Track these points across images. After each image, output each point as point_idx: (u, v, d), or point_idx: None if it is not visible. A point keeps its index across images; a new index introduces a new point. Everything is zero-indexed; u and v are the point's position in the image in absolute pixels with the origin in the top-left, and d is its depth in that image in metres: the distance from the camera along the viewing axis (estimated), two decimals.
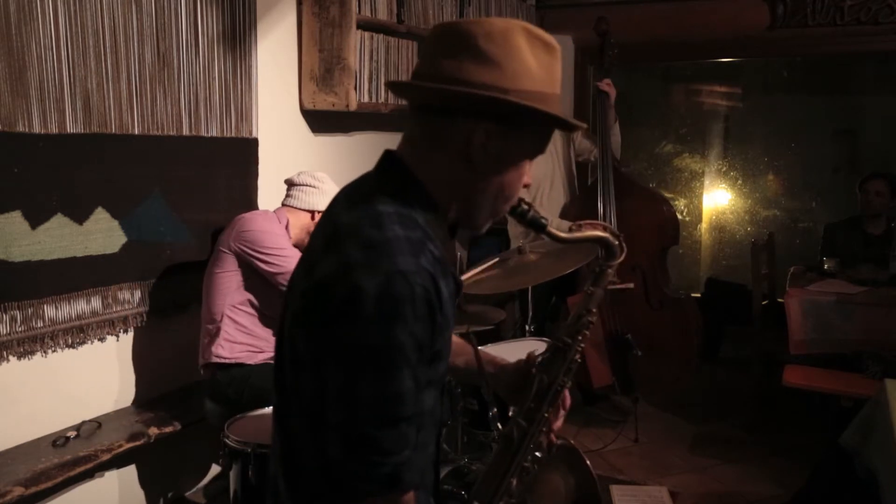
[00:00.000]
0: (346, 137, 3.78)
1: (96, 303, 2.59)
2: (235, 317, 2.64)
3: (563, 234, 1.27)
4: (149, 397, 2.85)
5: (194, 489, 3.09)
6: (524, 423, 1.31)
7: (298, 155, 3.44)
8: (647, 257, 3.80)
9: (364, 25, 3.34)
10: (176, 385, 2.95)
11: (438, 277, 1.03)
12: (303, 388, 1.08)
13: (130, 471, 2.80)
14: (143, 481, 2.85)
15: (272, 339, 2.67)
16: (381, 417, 1.00)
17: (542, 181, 3.85)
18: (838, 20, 4.38)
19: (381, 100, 3.51)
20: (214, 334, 2.64)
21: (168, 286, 2.83)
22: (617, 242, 1.33)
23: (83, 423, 2.56)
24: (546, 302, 3.98)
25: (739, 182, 6.01)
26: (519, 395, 1.37)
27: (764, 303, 4.07)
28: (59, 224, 2.43)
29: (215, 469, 3.13)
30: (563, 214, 3.89)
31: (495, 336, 3.88)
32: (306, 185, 2.77)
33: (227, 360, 2.62)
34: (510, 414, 1.36)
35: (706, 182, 6.10)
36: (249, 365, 2.64)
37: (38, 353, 2.45)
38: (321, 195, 2.76)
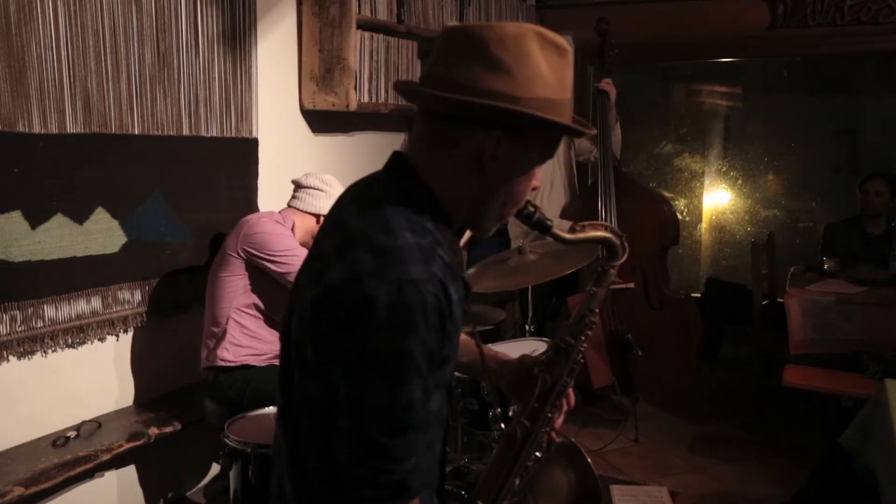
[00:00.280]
0: (346, 137, 3.78)
1: (96, 303, 2.59)
2: (241, 320, 2.63)
3: (567, 236, 1.27)
4: (149, 397, 2.85)
5: (194, 489, 3.09)
6: (527, 423, 1.32)
7: (298, 155, 3.44)
8: (647, 257, 3.80)
9: (364, 25, 3.35)
10: (176, 385, 2.95)
11: (448, 283, 1.03)
12: (310, 391, 1.07)
13: (130, 471, 2.80)
14: (143, 481, 2.85)
15: (277, 342, 2.67)
16: (391, 426, 1.00)
17: (543, 181, 3.85)
18: (838, 20, 4.38)
19: (381, 100, 3.51)
20: (220, 338, 2.63)
21: (168, 286, 2.83)
22: (619, 243, 1.33)
23: (83, 423, 2.56)
24: (546, 302, 3.98)
25: (739, 182, 6.01)
26: (520, 391, 1.39)
27: (764, 303, 4.07)
28: (59, 224, 2.43)
29: (215, 469, 3.13)
30: (564, 214, 3.89)
31: (495, 336, 3.88)
32: (313, 189, 2.75)
33: (232, 364, 2.62)
34: (510, 413, 1.37)
35: (706, 182, 6.10)
36: (253, 367, 2.64)
37: (38, 353, 2.45)
38: (328, 199, 2.73)
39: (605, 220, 3.76)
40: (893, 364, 3.28)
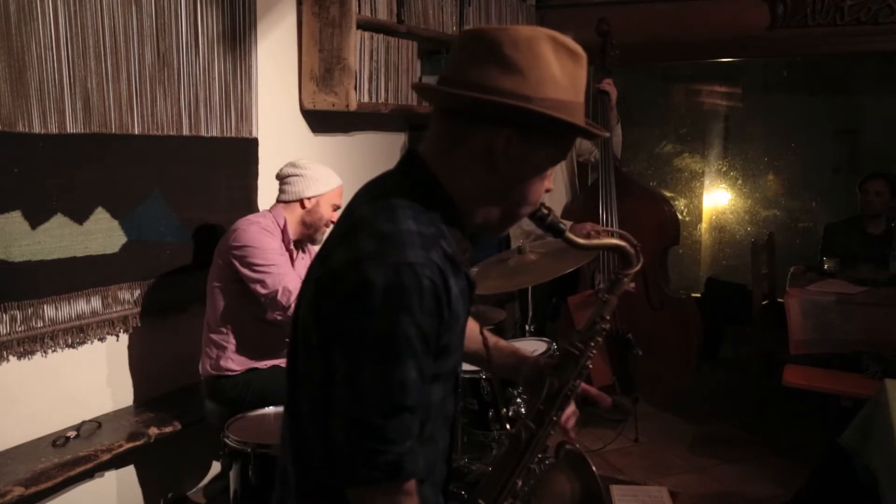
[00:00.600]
0: (346, 137, 3.78)
1: (96, 303, 2.59)
2: (242, 327, 2.62)
3: (580, 241, 1.28)
4: (149, 397, 2.85)
5: (194, 489, 3.09)
6: (533, 425, 1.33)
7: (298, 155, 3.42)
8: (648, 257, 3.80)
9: (364, 25, 3.34)
10: (176, 385, 2.95)
11: (448, 273, 1.06)
12: (312, 374, 1.11)
13: (130, 471, 2.80)
14: (143, 481, 2.85)
15: (281, 343, 2.67)
16: (385, 405, 1.02)
17: None
18: (838, 20, 4.38)
19: (381, 100, 3.51)
20: (222, 347, 2.62)
21: (168, 286, 2.83)
22: (634, 252, 1.35)
23: (83, 423, 2.56)
24: (546, 302, 3.98)
25: (739, 182, 6.01)
26: (531, 389, 1.42)
27: (764, 303, 4.07)
28: (59, 224, 2.43)
29: (215, 469, 3.13)
30: (565, 214, 3.89)
31: (496, 336, 3.88)
32: (290, 176, 2.71)
33: (236, 372, 2.62)
34: (509, 413, 1.37)
35: (706, 182, 6.10)
36: (256, 369, 2.63)
37: (38, 353, 2.45)
38: (306, 181, 2.68)
39: (606, 220, 3.76)
40: (893, 364, 3.28)
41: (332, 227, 2.69)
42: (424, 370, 1.04)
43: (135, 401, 2.82)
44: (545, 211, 1.22)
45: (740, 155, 6.00)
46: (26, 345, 2.39)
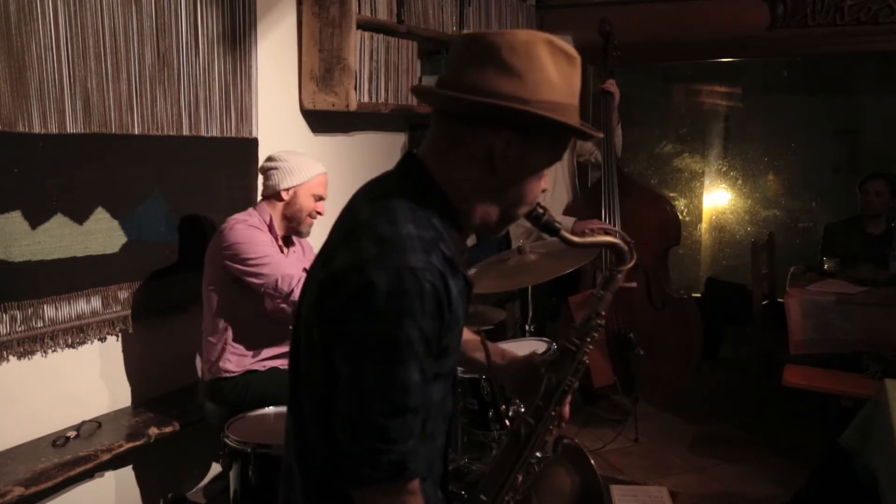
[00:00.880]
0: (346, 137, 3.78)
1: (96, 303, 2.59)
2: (239, 329, 2.61)
3: (575, 239, 1.30)
4: (149, 397, 2.85)
5: (194, 489, 3.09)
6: (532, 421, 1.35)
7: None
8: (650, 257, 3.80)
9: (364, 25, 3.34)
10: (176, 385, 2.95)
11: (448, 276, 1.08)
12: (315, 375, 1.12)
13: (130, 471, 2.80)
14: (143, 481, 2.85)
15: (278, 341, 2.67)
16: (388, 407, 1.04)
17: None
18: (838, 20, 4.38)
19: (381, 100, 3.51)
20: (220, 350, 2.61)
21: (168, 286, 2.83)
22: (627, 248, 1.37)
23: (83, 423, 2.56)
24: (546, 301, 3.98)
25: (739, 182, 6.01)
26: (525, 388, 1.43)
27: (764, 303, 4.07)
28: (59, 224, 2.43)
29: (215, 469, 3.13)
30: (567, 213, 3.89)
31: (495, 336, 3.88)
32: (269, 170, 2.67)
33: (235, 373, 2.62)
34: (509, 413, 1.38)
35: (706, 182, 6.10)
36: (255, 371, 2.63)
37: (38, 353, 2.45)
38: (281, 173, 2.64)
39: (608, 220, 3.77)
40: (893, 364, 3.28)
41: (317, 218, 2.70)
42: (426, 371, 1.06)
43: (134, 401, 2.82)
44: (540, 210, 1.24)
45: (740, 155, 6.00)
46: (26, 345, 2.39)
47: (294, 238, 2.78)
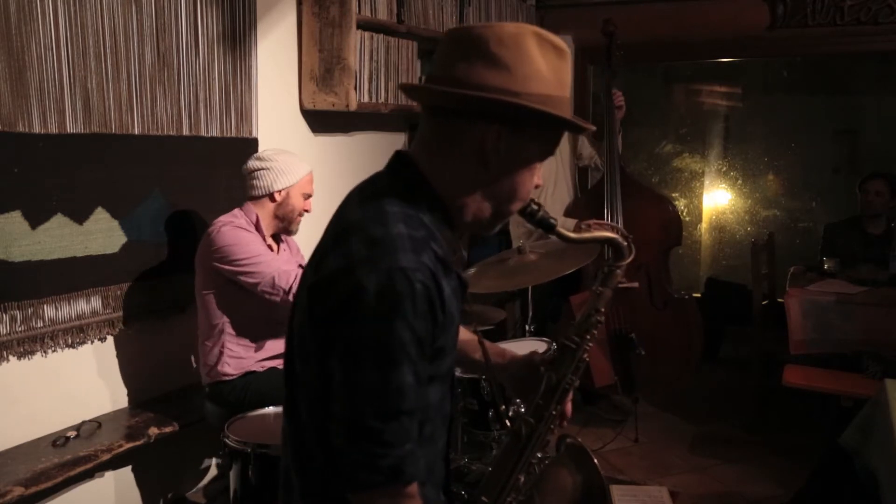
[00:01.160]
0: (346, 137, 3.78)
1: (96, 303, 2.59)
2: (235, 331, 2.60)
3: (571, 235, 1.28)
4: (149, 397, 2.85)
5: (194, 489, 3.09)
6: (532, 421, 1.33)
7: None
8: (652, 257, 3.80)
9: (364, 25, 3.34)
10: (176, 385, 2.95)
11: (440, 276, 1.06)
12: (309, 379, 1.11)
13: (130, 471, 2.80)
14: (143, 481, 2.85)
15: (279, 345, 2.66)
16: (383, 410, 1.02)
17: (547, 181, 3.85)
18: (838, 20, 4.38)
19: (381, 100, 3.51)
20: (218, 354, 2.60)
21: (168, 286, 2.83)
22: (626, 244, 1.35)
23: (83, 423, 2.56)
24: (547, 301, 3.98)
25: (739, 182, 6.01)
26: (525, 388, 1.41)
27: (764, 303, 4.07)
28: (59, 224, 2.43)
29: (215, 469, 3.13)
30: (568, 213, 3.89)
31: (496, 336, 3.88)
32: (257, 170, 2.63)
33: (234, 376, 2.61)
34: (509, 413, 1.37)
35: (706, 182, 6.10)
36: (254, 372, 2.63)
37: (38, 353, 2.45)
38: (273, 174, 2.60)
39: (612, 220, 3.76)
40: (893, 364, 3.28)
41: (305, 215, 2.69)
42: (420, 373, 1.05)
43: (134, 401, 2.81)
44: (535, 206, 1.22)
45: (740, 155, 6.00)
46: (26, 345, 2.39)
47: (282, 236, 2.77)
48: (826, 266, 3.87)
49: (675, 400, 4.18)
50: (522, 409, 1.39)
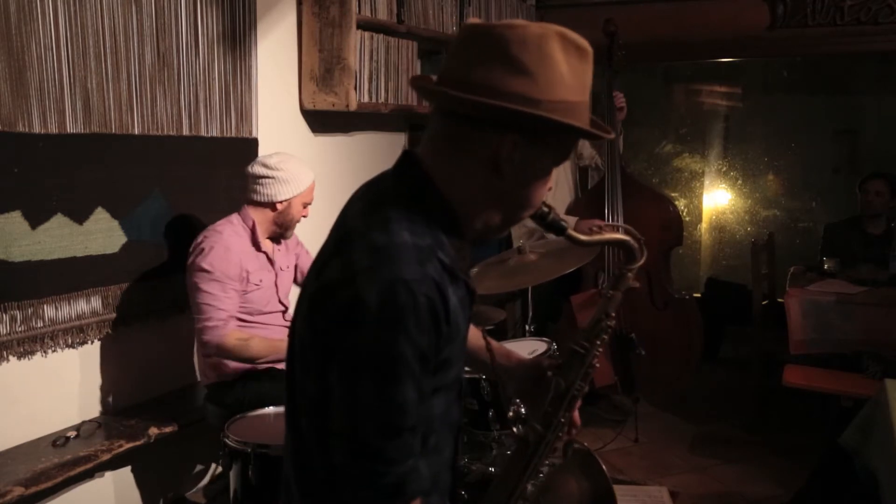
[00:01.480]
0: (346, 137, 3.78)
1: (96, 303, 2.59)
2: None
3: (583, 238, 1.23)
4: (149, 397, 2.84)
5: (194, 489, 3.09)
6: (540, 428, 1.30)
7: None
8: (653, 257, 3.78)
9: (364, 25, 3.34)
10: (176, 385, 2.95)
11: (445, 286, 1.02)
12: (309, 390, 1.08)
13: (130, 471, 2.80)
14: (143, 481, 2.85)
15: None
16: (384, 428, 0.99)
17: None
18: (838, 20, 4.38)
19: (381, 100, 3.51)
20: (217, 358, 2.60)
21: (168, 286, 2.83)
22: (637, 246, 1.30)
23: (83, 423, 2.56)
24: (547, 301, 3.98)
25: (739, 182, 6.01)
26: (531, 392, 1.37)
27: (764, 303, 4.07)
28: (59, 224, 2.43)
29: (215, 469, 3.13)
30: (569, 213, 3.90)
31: (496, 336, 3.87)
32: (262, 178, 2.61)
33: (233, 376, 2.61)
34: (509, 413, 1.35)
35: (706, 182, 6.09)
36: (253, 372, 2.63)
37: (38, 353, 2.45)
38: (279, 184, 2.59)
39: (611, 220, 3.76)
40: (893, 364, 3.28)
41: (303, 220, 2.68)
42: (423, 388, 1.01)
43: (134, 401, 2.81)
44: (546, 209, 1.17)
45: (740, 155, 6.00)
46: (26, 345, 2.38)
47: None
48: (826, 266, 3.87)
49: (675, 400, 4.18)
50: (522, 410, 1.38)
